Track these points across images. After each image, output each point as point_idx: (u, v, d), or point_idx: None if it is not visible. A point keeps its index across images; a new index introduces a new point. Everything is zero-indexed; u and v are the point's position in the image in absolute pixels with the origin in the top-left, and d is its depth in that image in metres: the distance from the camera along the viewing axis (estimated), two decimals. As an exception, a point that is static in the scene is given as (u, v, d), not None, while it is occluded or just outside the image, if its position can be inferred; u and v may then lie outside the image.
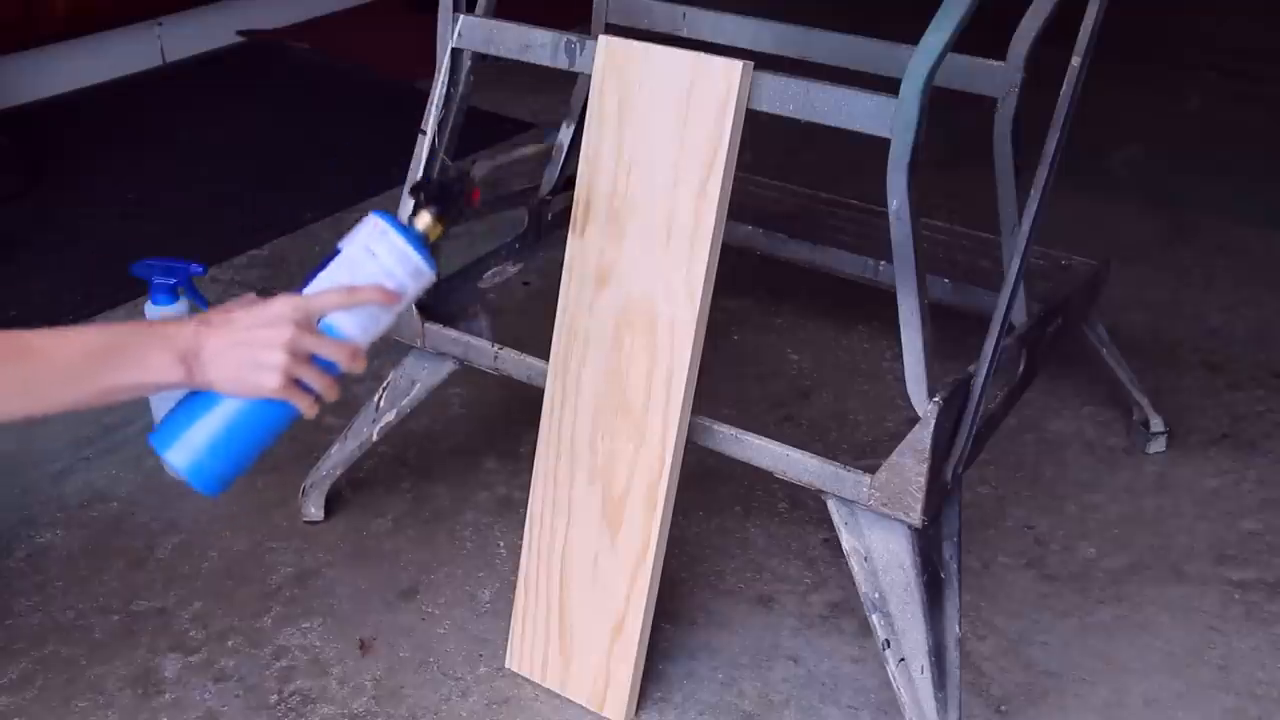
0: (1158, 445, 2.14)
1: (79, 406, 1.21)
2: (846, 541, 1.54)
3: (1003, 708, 1.67)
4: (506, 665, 1.70)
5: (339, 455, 1.92)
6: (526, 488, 1.67)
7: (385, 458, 2.11)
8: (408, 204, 1.38)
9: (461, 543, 1.94)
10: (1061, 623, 1.80)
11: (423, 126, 1.71)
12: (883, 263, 2.10)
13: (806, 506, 1.99)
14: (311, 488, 1.95)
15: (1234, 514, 2.02)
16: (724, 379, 2.27)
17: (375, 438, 1.90)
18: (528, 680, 1.68)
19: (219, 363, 1.20)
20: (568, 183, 2.02)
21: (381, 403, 1.87)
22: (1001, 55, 1.81)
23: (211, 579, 1.85)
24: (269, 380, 1.20)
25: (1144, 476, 2.10)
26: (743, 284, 2.53)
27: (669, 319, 1.51)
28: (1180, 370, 2.37)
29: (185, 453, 1.24)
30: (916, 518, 1.47)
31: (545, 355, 1.63)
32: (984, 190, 1.88)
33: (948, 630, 1.53)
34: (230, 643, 1.74)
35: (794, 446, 1.55)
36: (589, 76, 1.54)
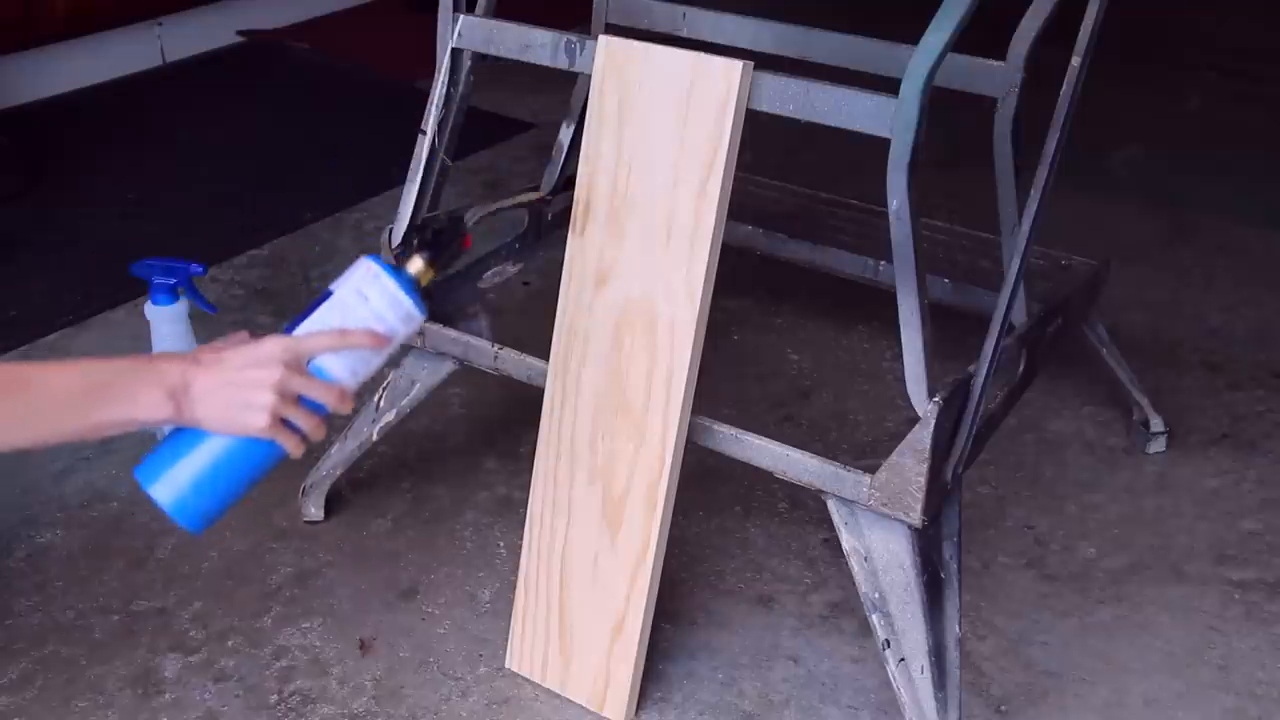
0: (1158, 445, 2.14)
1: (68, 440, 1.23)
2: (846, 541, 1.54)
3: (1003, 708, 1.67)
4: (506, 665, 1.70)
5: (339, 455, 1.92)
6: (526, 488, 1.67)
7: (385, 458, 2.11)
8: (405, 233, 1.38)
9: (461, 543, 1.94)
10: (1061, 623, 1.80)
11: (423, 126, 1.71)
12: (883, 263, 2.10)
13: (806, 506, 1.99)
14: (311, 488, 1.95)
15: (1234, 514, 2.02)
16: (724, 379, 2.27)
17: (375, 438, 1.90)
18: (528, 680, 1.68)
19: (208, 401, 1.21)
20: (568, 183, 2.02)
21: (381, 403, 1.87)
22: (1001, 55, 1.81)
23: (211, 579, 1.85)
24: (257, 420, 1.22)
25: (1144, 476, 2.10)
26: (743, 284, 2.53)
27: (669, 319, 1.51)
28: (1180, 370, 2.37)
29: (170, 489, 1.25)
30: (916, 518, 1.47)
31: (545, 355, 1.63)
32: (984, 190, 1.88)
33: (948, 630, 1.53)
34: (230, 643, 1.74)
35: (794, 446, 1.55)
36: (589, 76, 1.54)
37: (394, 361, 1.85)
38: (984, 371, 1.50)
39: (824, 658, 1.74)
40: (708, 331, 1.52)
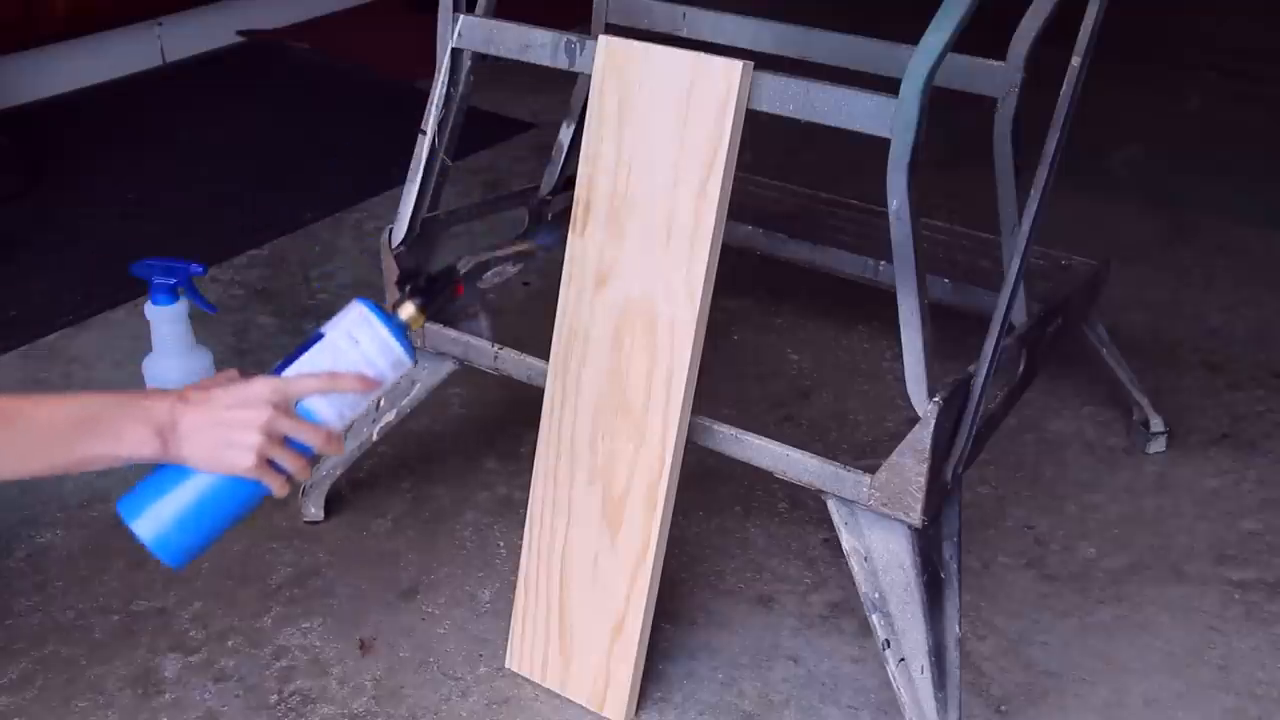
0: (1158, 445, 2.14)
1: (53, 473, 1.23)
2: (846, 541, 1.54)
3: (1003, 708, 1.67)
4: (506, 665, 1.70)
5: (339, 455, 1.92)
6: (526, 488, 1.67)
7: (385, 458, 2.11)
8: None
9: (461, 543, 1.94)
10: (1061, 623, 1.80)
11: (423, 126, 1.71)
12: (883, 263, 2.10)
13: (806, 506, 1.99)
14: (311, 488, 1.95)
15: (1234, 514, 2.02)
16: (724, 379, 2.27)
17: (375, 438, 1.90)
18: (528, 680, 1.68)
19: (194, 439, 1.22)
20: (568, 183, 2.02)
21: (381, 403, 1.87)
22: (1001, 55, 1.81)
23: (211, 579, 1.85)
24: (243, 460, 1.22)
25: (1144, 476, 2.10)
26: (743, 284, 2.53)
27: (669, 319, 1.51)
28: (1180, 370, 2.37)
29: (152, 524, 1.26)
30: (916, 518, 1.47)
31: (545, 355, 1.63)
32: (984, 190, 1.88)
33: (948, 630, 1.53)
34: (230, 643, 1.74)
35: (794, 446, 1.55)
36: (589, 76, 1.54)
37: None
38: (984, 371, 1.50)
39: (824, 658, 1.74)
40: (708, 331, 1.52)
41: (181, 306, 2.06)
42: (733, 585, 1.86)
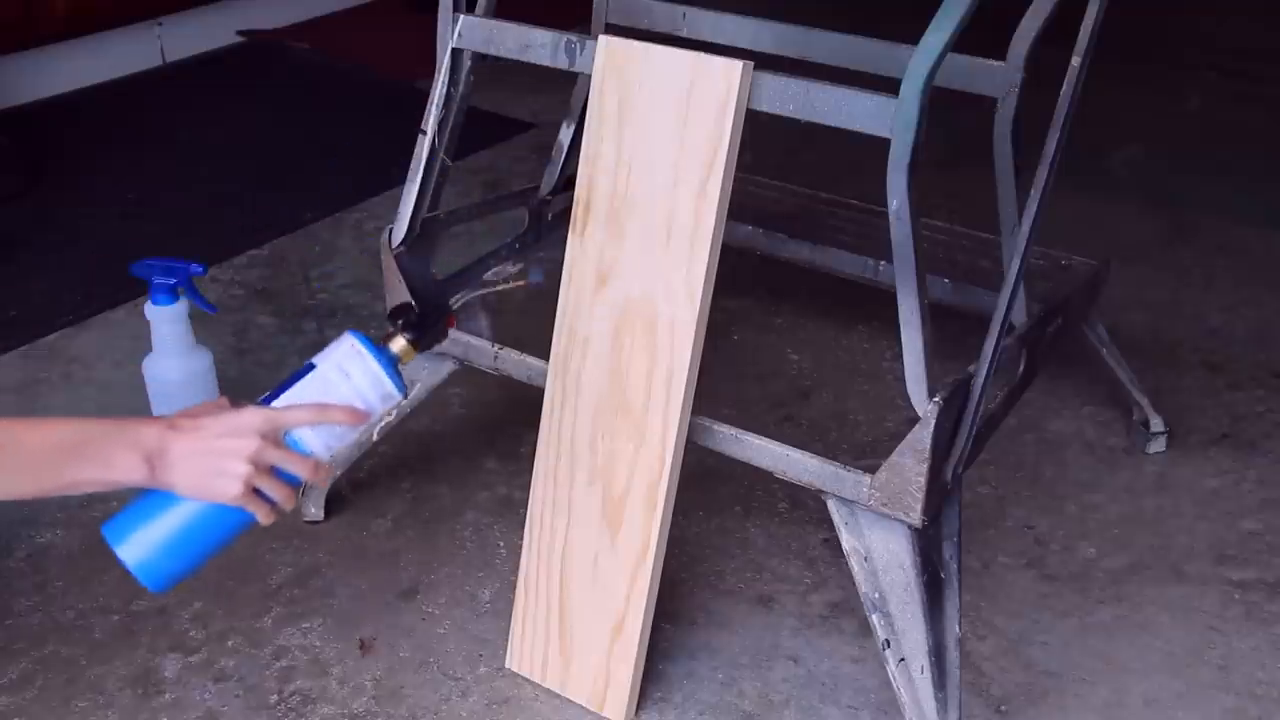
0: (1158, 445, 2.14)
1: (43, 495, 1.24)
2: (846, 541, 1.54)
3: (1003, 708, 1.67)
4: (506, 665, 1.70)
5: (339, 455, 1.92)
6: (526, 488, 1.67)
7: (385, 458, 2.11)
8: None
9: (461, 543, 1.94)
10: (1061, 623, 1.80)
11: (423, 126, 1.71)
12: (883, 263, 2.10)
13: (806, 506, 1.99)
14: (311, 488, 1.95)
15: (1234, 514, 2.02)
16: (724, 379, 2.27)
17: (375, 437, 1.90)
18: (528, 680, 1.68)
19: (182, 467, 1.22)
20: (568, 183, 2.02)
21: (375, 432, 1.87)
22: (1001, 55, 1.81)
23: (211, 579, 1.84)
24: (230, 488, 1.23)
25: (1144, 476, 2.10)
26: (743, 284, 2.53)
27: (669, 319, 1.51)
28: (1180, 370, 2.37)
29: (137, 549, 1.26)
30: (916, 518, 1.47)
31: (545, 355, 1.63)
32: (984, 190, 1.88)
33: (948, 630, 1.53)
34: (230, 643, 1.74)
35: (794, 446, 1.55)
36: (589, 76, 1.54)
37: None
38: (984, 371, 1.50)
39: (824, 658, 1.74)
40: (708, 331, 1.52)
41: (181, 306, 2.06)
42: (733, 585, 1.86)
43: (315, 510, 1.96)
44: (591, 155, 1.55)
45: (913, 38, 1.37)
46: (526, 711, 1.65)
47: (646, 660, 1.62)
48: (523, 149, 3.26)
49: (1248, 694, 1.69)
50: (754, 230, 2.23)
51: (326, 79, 3.79)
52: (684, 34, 1.98)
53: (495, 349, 1.74)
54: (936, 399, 1.44)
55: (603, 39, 1.53)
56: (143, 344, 2.12)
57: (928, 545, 1.53)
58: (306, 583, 1.85)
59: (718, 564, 1.90)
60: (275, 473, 1.25)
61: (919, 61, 1.34)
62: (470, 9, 1.69)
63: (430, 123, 1.71)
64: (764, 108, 1.45)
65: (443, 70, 1.69)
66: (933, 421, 1.43)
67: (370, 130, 3.35)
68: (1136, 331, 2.46)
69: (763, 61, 1.46)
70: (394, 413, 1.86)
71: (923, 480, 1.45)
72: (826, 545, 1.93)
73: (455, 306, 1.47)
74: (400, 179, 1.74)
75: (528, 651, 1.68)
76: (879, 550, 1.52)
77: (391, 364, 1.35)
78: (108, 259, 2.62)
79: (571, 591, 1.63)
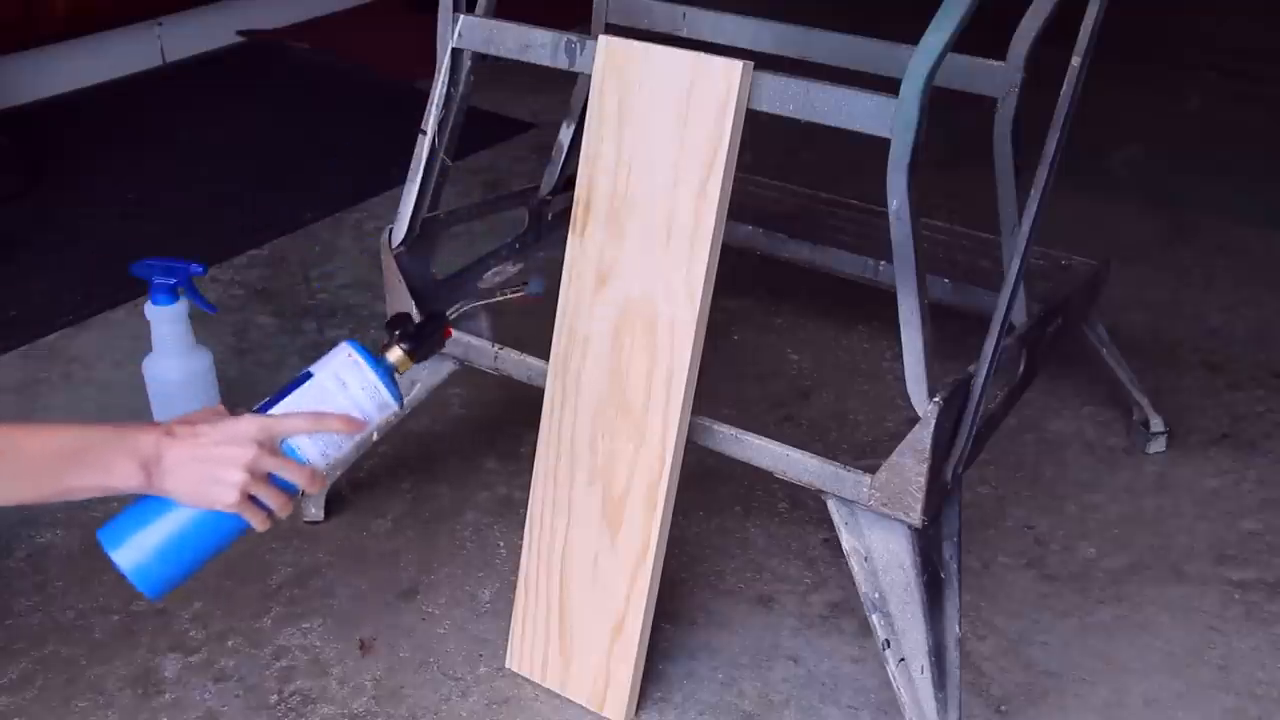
0: (1158, 445, 2.14)
1: (41, 501, 1.25)
2: (846, 541, 1.54)
3: (1003, 708, 1.67)
4: (506, 665, 1.70)
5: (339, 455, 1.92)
6: (526, 488, 1.67)
7: (385, 458, 2.11)
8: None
9: (461, 543, 1.94)
10: (1061, 623, 1.80)
11: (423, 126, 1.71)
12: (883, 263, 2.10)
13: (806, 506, 1.99)
14: (311, 488, 1.95)
15: (1234, 514, 2.02)
16: (724, 379, 2.27)
17: (375, 438, 1.90)
18: (528, 680, 1.68)
19: (179, 474, 1.23)
20: (568, 183, 2.02)
21: (375, 434, 1.86)
22: (1001, 55, 1.81)
23: (211, 579, 1.84)
24: (226, 496, 1.23)
25: (1144, 476, 2.10)
26: (743, 284, 2.53)
27: (669, 319, 1.51)
28: (1180, 370, 2.37)
29: (133, 555, 1.27)
30: (916, 518, 1.47)
31: (545, 355, 1.63)
32: (984, 190, 1.88)
33: (948, 630, 1.53)
34: (230, 643, 1.74)
35: (794, 446, 1.55)
36: (589, 76, 1.54)
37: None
38: (984, 371, 1.50)
39: (824, 658, 1.74)
40: (708, 331, 1.52)
41: (181, 306, 2.06)
42: (733, 585, 1.86)
43: (315, 510, 1.96)
44: (591, 155, 1.55)
45: (913, 38, 1.37)
46: (526, 711, 1.65)
47: (646, 660, 1.62)
48: (523, 149, 3.26)
49: (1248, 694, 1.69)
50: (754, 230, 2.23)
51: (326, 79, 3.79)
52: (684, 34, 1.98)
53: (495, 349, 1.74)
54: (936, 399, 1.44)
55: (603, 39, 1.53)
56: (143, 344, 2.12)
57: (928, 545, 1.53)
58: (306, 583, 1.85)
59: (718, 564, 1.90)
60: (271, 480, 1.26)
61: (919, 61, 1.34)
62: (470, 9, 1.69)
63: (430, 123, 1.71)
64: (764, 108, 1.45)
65: (443, 70, 1.69)
66: (933, 421, 1.43)
67: (370, 130, 3.35)
68: (1136, 331, 2.46)
69: (763, 61, 1.46)
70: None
71: (923, 480, 1.45)
72: (826, 545, 1.93)
73: (453, 317, 1.46)
74: (400, 179, 1.74)
75: (528, 651, 1.68)
76: (879, 550, 1.52)
77: (388, 374, 1.35)
78: (108, 259, 2.62)
79: (571, 591, 1.63)
